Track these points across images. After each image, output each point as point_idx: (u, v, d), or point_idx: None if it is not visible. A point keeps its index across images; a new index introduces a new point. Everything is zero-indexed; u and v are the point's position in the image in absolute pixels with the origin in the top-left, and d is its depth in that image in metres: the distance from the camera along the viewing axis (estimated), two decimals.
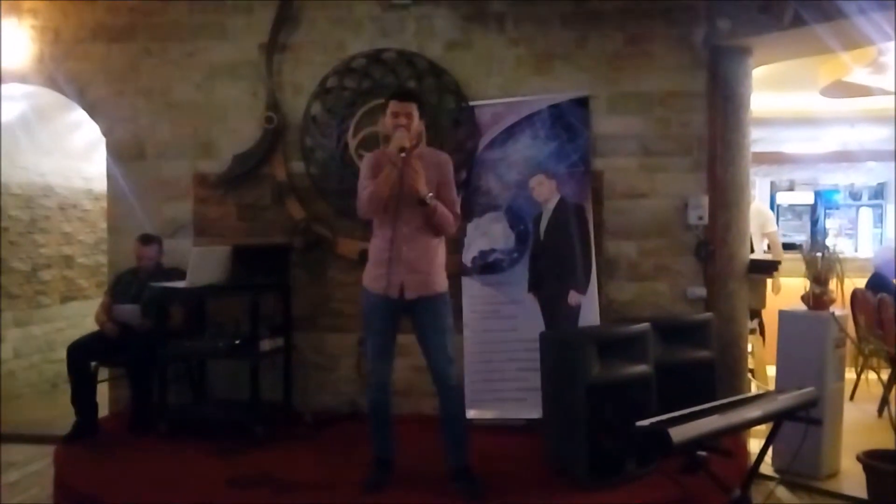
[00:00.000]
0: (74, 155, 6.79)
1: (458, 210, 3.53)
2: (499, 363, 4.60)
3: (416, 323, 3.48)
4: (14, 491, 4.18)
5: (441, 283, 3.50)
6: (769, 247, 6.46)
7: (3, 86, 5.33)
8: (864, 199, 10.71)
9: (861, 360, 5.35)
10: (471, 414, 4.57)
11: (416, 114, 3.40)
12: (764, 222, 6.32)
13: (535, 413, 4.09)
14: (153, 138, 5.07)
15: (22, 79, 5.22)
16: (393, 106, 3.39)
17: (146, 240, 4.75)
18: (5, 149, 6.01)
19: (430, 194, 3.33)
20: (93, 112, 5.16)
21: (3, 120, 5.85)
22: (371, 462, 3.61)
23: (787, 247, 6.89)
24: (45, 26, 5.14)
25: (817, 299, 4.10)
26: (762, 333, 5.77)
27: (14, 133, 6.03)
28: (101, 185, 6.00)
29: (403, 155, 3.28)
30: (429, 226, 3.41)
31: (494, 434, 4.38)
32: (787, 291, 5.52)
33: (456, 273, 4.70)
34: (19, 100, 5.73)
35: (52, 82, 5.14)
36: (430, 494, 3.47)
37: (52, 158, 6.57)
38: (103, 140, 5.18)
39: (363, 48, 4.81)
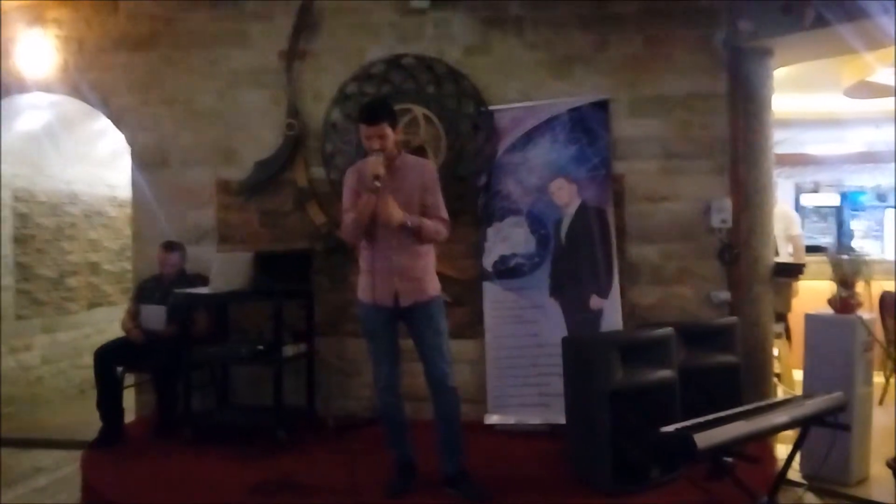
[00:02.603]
0: (99, 163, 6.87)
1: (446, 214, 3.51)
2: (521, 368, 4.59)
3: (411, 328, 3.51)
4: (43, 496, 4.23)
5: (434, 287, 3.53)
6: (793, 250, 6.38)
7: (28, 95, 5.42)
8: (891, 200, 10.54)
9: (890, 364, 5.27)
10: (493, 419, 4.59)
11: (388, 131, 3.35)
12: (788, 225, 6.23)
13: (558, 418, 4.07)
14: (176, 146, 5.12)
15: (47, 88, 5.30)
16: (364, 130, 3.36)
17: (169, 247, 4.80)
18: (32, 157, 6.10)
19: (409, 220, 3.34)
20: (117, 120, 5.22)
21: (29, 129, 5.95)
22: (393, 466, 3.61)
23: (813, 249, 6.80)
24: (69, 36, 5.22)
25: (844, 302, 4.05)
26: (788, 337, 5.70)
27: (40, 142, 6.13)
28: (125, 192, 6.07)
29: (378, 184, 3.28)
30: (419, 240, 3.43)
31: (517, 439, 4.38)
32: (812, 294, 5.46)
33: (476, 278, 4.71)
34: (45, 109, 5.82)
35: (76, 91, 5.22)
36: (455, 498, 3.46)
37: (78, 166, 6.66)
38: (128, 148, 5.25)
39: (382, 54, 4.83)
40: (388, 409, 3.55)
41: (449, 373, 3.47)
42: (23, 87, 5.33)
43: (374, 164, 3.30)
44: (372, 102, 3.66)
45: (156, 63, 5.12)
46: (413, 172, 3.48)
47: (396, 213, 3.31)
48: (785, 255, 5.92)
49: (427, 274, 3.50)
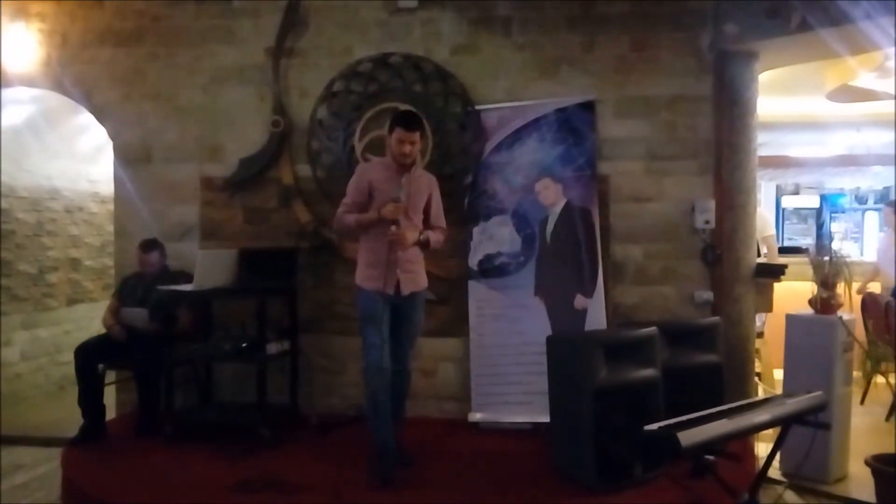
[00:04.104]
0: (81, 158, 6.81)
1: (444, 223, 3.98)
2: (505, 367, 4.60)
3: (397, 314, 3.81)
4: (21, 493, 4.19)
5: (425, 279, 3.94)
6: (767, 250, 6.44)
7: (11, 89, 5.36)
8: (870, 202, 10.69)
9: (870, 364, 5.33)
10: (477, 417, 4.59)
11: (418, 141, 3.79)
12: (763, 226, 6.29)
13: (542, 416, 4.08)
14: (160, 142, 5.09)
15: (29, 82, 5.25)
16: (399, 133, 3.70)
17: (147, 247, 4.74)
18: (13, 152, 6.03)
19: (421, 238, 3.79)
20: (100, 115, 5.18)
21: (11, 123, 5.88)
22: (376, 452, 3.67)
23: (793, 250, 6.87)
24: (53, 30, 5.17)
25: (825, 303, 4.09)
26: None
27: (22, 136, 6.06)
28: (107, 188, 6.02)
29: (395, 228, 3.65)
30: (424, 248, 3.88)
31: (501, 437, 4.38)
32: (791, 295, 5.51)
33: (461, 276, 4.72)
34: (27, 103, 5.76)
35: (59, 86, 5.17)
36: (439, 495, 3.47)
37: (60, 161, 6.59)
38: (110, 143, 5.20)
39: (369, 52, 4.83)
40: (378, 391, 3.69)
41: (411, 357, 3.94)
42: (6, 82, 5.27)
43: (394, 210, 3.65)
44: (412, 112, 4.10)
45: (141, 59, 5.08)
46: (423, 181, 3.90)
47: (412, 237, 3.74)
48: (763, 255, 5.98)
49: (421, 267, 3.89)
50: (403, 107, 4.70)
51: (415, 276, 3.83)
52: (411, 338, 3.90)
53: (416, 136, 3.74)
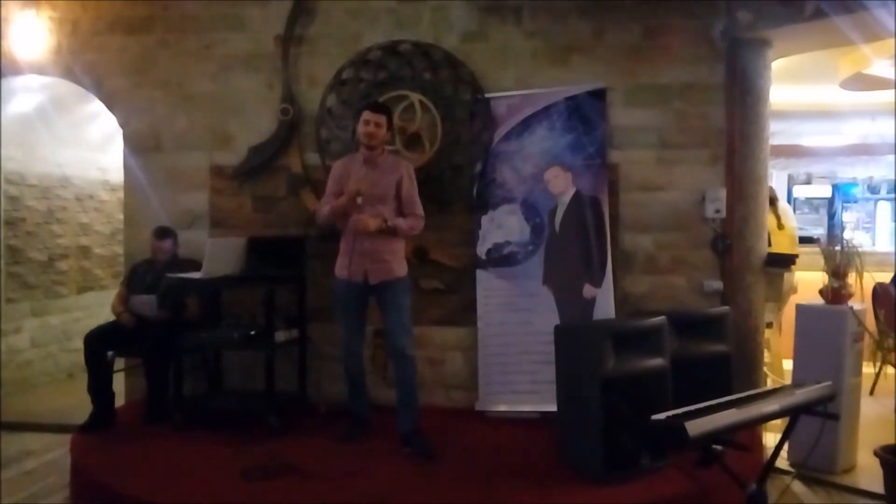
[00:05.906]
0: (91, 146, 6.82)
1: (421, 210, 4.03)
2: (513, 356, 4.60)
3: (379, 303, 4.02)
4: (31, 479, 4.22)
5: (400, 269, 4.03)
6: None
7: (21, 77, 5.37)
8: (883, 192, 10.60)
9: (881, 354, 5.30)
10: (484, 406, 4.59)
11: (384, 124, 3.95)
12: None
13: (550, 406, 4.08)
14: (169, 130, 5.09)
15: (40, 70, 5.25)
16: (365, 115, 3.94)
17: (161, 234, 4.77)
18: (24, 140, 6.05)
19: (385, 222, 3.89)
20: (110, 103, 5.18)
21: (21, 111, 5.90)
22: (348, 418, 4.17)
23: (804, 240, 6.82)
24: (63, 18, 5.17)
25: (835, 293, 4.06)
26: (779, 327, 5.72)
27: (32, 124, 6.08)
28: (117, 175, 6.04)
29: (359, 200, 3.86)
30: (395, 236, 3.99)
31: (508, 426, 4.39)
32: (802, 285, 5.48)
33: (469, 265, 4.72)
34: (37, 91, 5.77)
35: (69, 73, 5.17)
36: (446, 484, 3.48)
37: (70, 149, 6.61)
38: (120, 131, 5.21)
39: (379, 40, 4.81)
40: (352, 370, 4.13)
41: (407, 343, 3.97)
42: (16, 70, 5.28)
43: (355, 187, 3.85)
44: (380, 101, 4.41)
45: (151, 46, 5.08)
46: (391, 168, 4.01)
47: (372, 223, 3.85)
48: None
49: (394, 256, 3.99)
50: (415, 96, 4.71)
51: (385, 266, 3.94)
52: (399, 324, 3.96)
53: (382, 118, 3.93)
